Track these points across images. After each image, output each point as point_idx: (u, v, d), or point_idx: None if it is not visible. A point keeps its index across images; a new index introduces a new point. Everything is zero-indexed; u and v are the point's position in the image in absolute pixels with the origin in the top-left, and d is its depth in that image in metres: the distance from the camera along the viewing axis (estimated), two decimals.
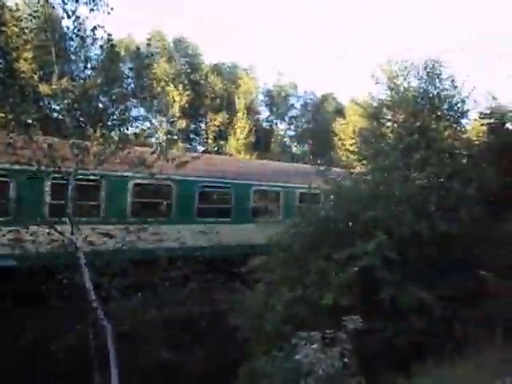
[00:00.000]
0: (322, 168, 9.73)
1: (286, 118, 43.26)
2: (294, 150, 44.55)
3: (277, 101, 40.95)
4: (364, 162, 10.83)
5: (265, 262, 8.36)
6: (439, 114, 10.44)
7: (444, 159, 9.60)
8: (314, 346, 4.80)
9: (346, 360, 4.73)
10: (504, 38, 56.94)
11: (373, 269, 6.99)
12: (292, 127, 44.20)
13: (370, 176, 9.37)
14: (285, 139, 43.02)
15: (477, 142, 11.40)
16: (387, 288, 6.92)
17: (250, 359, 6.95)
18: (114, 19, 6.91)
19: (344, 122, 38.94)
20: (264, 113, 41.96)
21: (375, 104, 11.62)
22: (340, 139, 37.54)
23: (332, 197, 9.34)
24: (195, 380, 8.56)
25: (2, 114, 7.45)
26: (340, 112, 42.02)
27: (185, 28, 66.21)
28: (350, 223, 8.01)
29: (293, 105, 43.13)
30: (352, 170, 10.70)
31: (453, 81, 10.58)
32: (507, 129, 11.19)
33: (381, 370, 6.17)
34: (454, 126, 10.70)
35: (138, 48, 10.08)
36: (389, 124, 11.09)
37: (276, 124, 42.43)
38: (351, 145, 15.59)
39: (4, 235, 6.52)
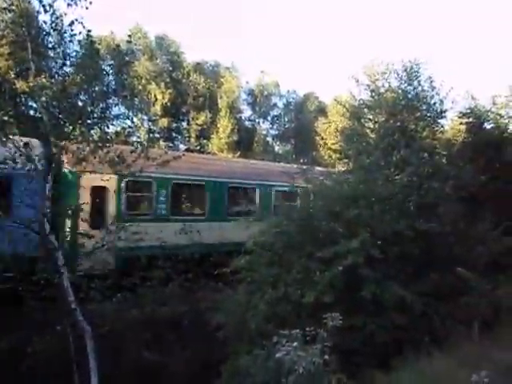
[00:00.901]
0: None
1: (269, 117, 43.32)
2: (277, 149, 44.65)
3: (259, 100, 40.95)
4: (346, 160, 10.93)
5: (248, 261, 8.34)
6: (418, 114, 10.62)
7: (423, 158, 9.78)
8: (295, 344, 4.80)
9: (326, 357, 4.75)
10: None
11: (355, 267, 7.05)
12: (275, 126, 44.30)
13: (351, 175, 9.46)
14: (267, 138, 43.06)
15: (455, 142, 11.64)
16: (369, 286, 7.00)
17: (233, 358, 6.93)
18: (98, 18, 6.81)
19: (326, 122, 39.17)
20: (246, 112, 41.97)
21: (356, 104, 11.72)
22: (322, 138, 37.72)
23: (314, 195, 9.40)
24: (178, 380, 8.49)
25: None
26: (322, 111, 42.28)
27: (167, 25, 65.69)
28: (333, 222, 8.07)
29: (275, 104, 43.21)
30: (334, 169, 10.80)
31: (431, 82, 10.77)
32: (485, 128, 11.46)
33: (361, 366, 6.24)
34: (433, 125, 10.90)
35: (118, 45, 9.86)
36: (370, 124, 11.22)
37: (258, 123, 42.45)
38: (333, 144, 15.70)
39: None
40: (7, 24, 6.85)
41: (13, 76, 7.76)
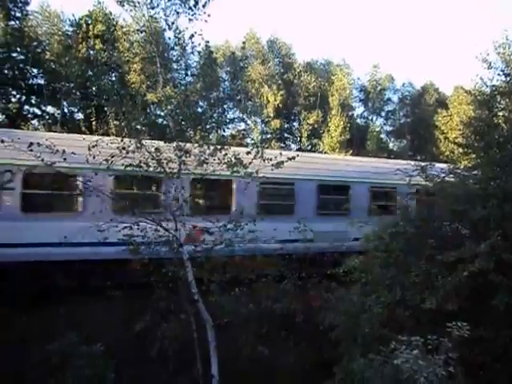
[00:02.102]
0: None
1: (383, 113, 41.56)
2: (391, 146, 42.62)
3: (372, 96, 39.52)
4: (472, 155, 9.95)
5: (362, 262, 8.13)
6: None
7: None
8: (415, 351, 4.55)
9: (451, 369, 4.41)
10: None
11: (484, 273, 6.40)
12: (389, 122, 42.37)
13: (478, 171, 8.59)
14: (381, 135, 41.35)
15: None
16: (502, 294, 6.29)
17: (347, 360, 6.83)
18: (211, 27, 7.29)
19: (447, 114, 36.25)
20: (359, 109, 40.84)
21: (487, 90, 10.46)
22: (443, 132, 35.04)
23: (435, 194, 8.77)
24: (290, 376, 8.63)
25: (117, 122, 8.25)
26: (442, 103, 39.19)
27: (278, 27, 67.15)
28: (456, 222, 7.44)
29: (389, 99, 41.31)
30: (457, 165, 9.88)
31: None
32: None
33: (491, 383, 5.65)
34: None
35: (233, 53, 10.54)
36: (503, 113, 10.00)
37: (371, 120, 40.99)
38: (456, 137, 14.36)
39: None
40: (139, 43, 7.69)
41: (144, 89, 8.67)
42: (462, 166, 9.76)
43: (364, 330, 6.94)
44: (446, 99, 39.59)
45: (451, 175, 8.84)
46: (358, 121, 39.84)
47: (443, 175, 8.78)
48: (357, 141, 35.77)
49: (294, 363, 8.85)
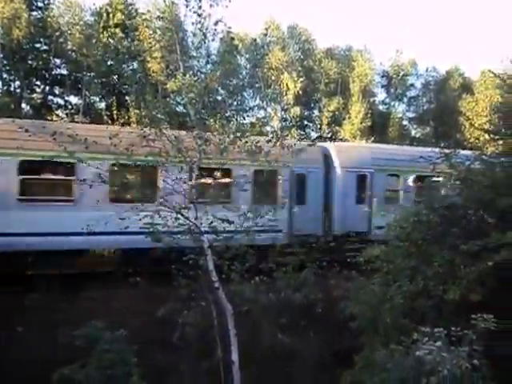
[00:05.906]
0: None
1: (405, 99, 40.63)
2: (414, 132, 41.76)
3: (394, 81, 38.63)
4: (500, 141, 9.64)
5: (384, 251, 8.02)
6: None
7: None
8: (438, 343, 4.48)
9: (475, 361, 4.32)
10: None
11: (510, 263, 6.23)
12: (411, 109, 41.43)
13: (507, 157, 8.31)
14: (403, 122, 40.50)
15: None
16: None
17: (367, 350, 6.78)
18: (229, 13, 7.15)
19: (472, 100, 35.24)
20: (380, 95, 40.04)
21: None
22: (468, 118, 34.12)
23: (459, 182, 8.54)
24: (309, 365, 8.65)
25: (137, 111, 8.30)
26: (467, 88, 38.06)
27: (297, 13, 66.03)
28: (481, 212, 7.23)
29: (412, 84, 40.32)
30: (483, 152, 9.58)
31: None
32: None
33: None
34: None
35: (255, 40, 10.47)
36: None
37: (393, 106, 40.14)
38: (484, 123, 13.95)
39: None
40: (160, 31, 7.64)
41: (164, 77, 8.63)
42: (488, 153, 9.46)
43: (385, 321, 6.88)
44: (471, 84, 38.48)
45: (477, 162, 8.58)
46: (380, 107, 39.10)
47: (468, 162, 8.53)
48: (378, 127, 35.15)
49: (314, 352, 8.86)
